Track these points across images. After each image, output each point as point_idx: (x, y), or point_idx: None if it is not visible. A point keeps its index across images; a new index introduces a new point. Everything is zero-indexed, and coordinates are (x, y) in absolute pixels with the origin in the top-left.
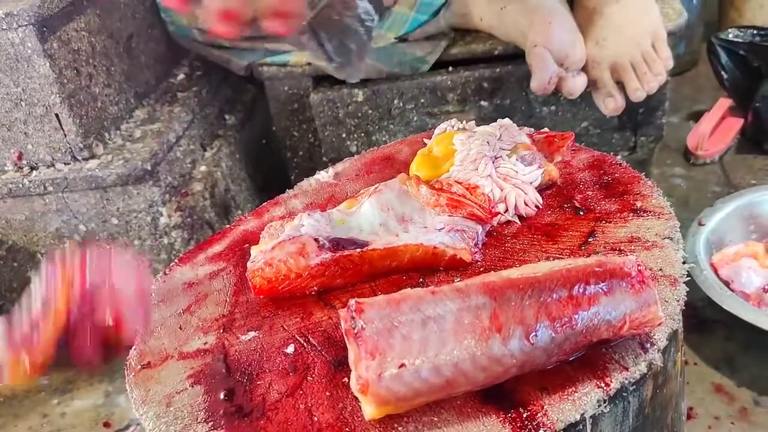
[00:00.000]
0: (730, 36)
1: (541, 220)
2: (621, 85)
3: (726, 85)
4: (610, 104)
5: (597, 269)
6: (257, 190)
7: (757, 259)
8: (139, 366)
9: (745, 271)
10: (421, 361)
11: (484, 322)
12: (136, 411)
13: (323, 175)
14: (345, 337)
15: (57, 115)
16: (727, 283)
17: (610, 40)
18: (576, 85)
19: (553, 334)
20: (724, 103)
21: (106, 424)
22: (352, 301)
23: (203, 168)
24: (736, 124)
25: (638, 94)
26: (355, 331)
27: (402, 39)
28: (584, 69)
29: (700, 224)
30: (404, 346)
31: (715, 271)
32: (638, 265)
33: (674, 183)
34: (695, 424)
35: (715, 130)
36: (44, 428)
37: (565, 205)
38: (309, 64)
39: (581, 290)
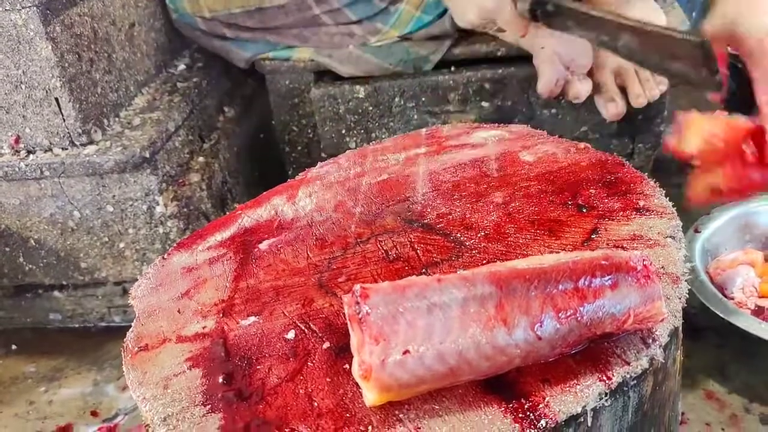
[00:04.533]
0: (730, 49)
1: (543, 216)
2: (623, 91)
3: (724, 98)
4: (612, 109)
5: (603, 262)
6: (254, 184)
7: (755, 267)
8: (136, 348)
9: (740, 278)
10: (426, 348)
11: (490, 311)
12: (133, 393)
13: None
14: (348, 322)
15: (57, 99)
16: (720, 290)
17: None
18: (582, 89)
19: (558, 326)
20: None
21: (94, 413)
22: (357, 287)
23: (201, 159)
24: None
25: (640, 100)
26: (360, 316)
27: (405, 37)
28: (588, 72)
29: (696, 231)
30: (409, 332)
31: (711, 280)
32: (644, 259)
33: (668, 191)
34: (686, 430)
35: None
36: (30, 416)
37: (568, 202)
38: (312, 60)
39: (587, 283)
